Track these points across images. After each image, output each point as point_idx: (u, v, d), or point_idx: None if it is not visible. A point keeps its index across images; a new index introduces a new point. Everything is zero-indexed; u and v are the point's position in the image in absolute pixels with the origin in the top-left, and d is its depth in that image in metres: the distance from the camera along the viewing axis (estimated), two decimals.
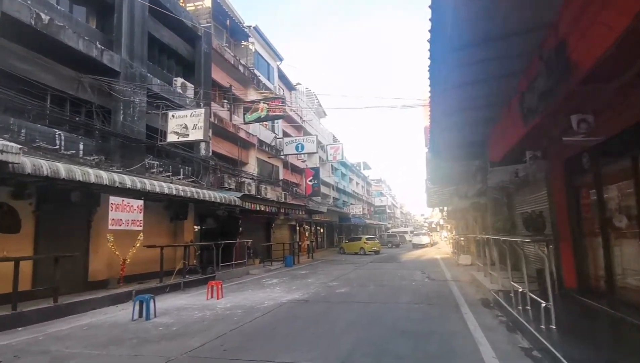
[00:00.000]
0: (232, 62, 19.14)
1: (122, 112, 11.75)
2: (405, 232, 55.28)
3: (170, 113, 12.60)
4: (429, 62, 4.58)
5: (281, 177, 24.68)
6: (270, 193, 21.40)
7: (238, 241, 19.02)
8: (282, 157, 24.68)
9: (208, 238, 17.04)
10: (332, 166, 37.82)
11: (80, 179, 8.40)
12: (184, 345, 5.92)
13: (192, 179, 15.13)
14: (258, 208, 17.47)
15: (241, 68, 20.05)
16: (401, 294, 10.42)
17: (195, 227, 17.78)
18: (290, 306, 9.07)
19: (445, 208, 30.57)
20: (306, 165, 28.79)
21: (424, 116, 15.95)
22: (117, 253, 10.04)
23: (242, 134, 19.66)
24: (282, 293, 11.24)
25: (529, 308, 6.69)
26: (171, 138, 12.47)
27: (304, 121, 29.84)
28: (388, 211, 77.61)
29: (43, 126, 9.76)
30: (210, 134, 16.51)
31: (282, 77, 27.54)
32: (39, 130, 9.59)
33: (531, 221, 10.81)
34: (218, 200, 13.86)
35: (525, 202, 11.56)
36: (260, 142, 21.81)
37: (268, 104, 18.42)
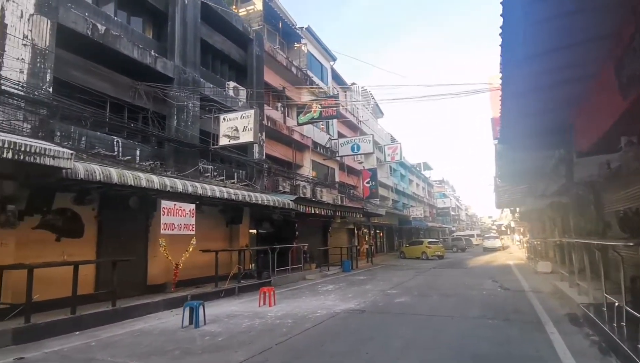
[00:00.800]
0: (285, 64, 18.97)
1: (175, 117, 11.90)
2: (472, 235, 51.92)
3: (221, 116, 12.56)
4: (501, 21, 3.65)
5: (337, 179, 24.10)
6: (326, 196, 20.87)
7: (294, 245, 18.73)
8: (338, 158, 24.08)
9: (264, 242, 16.92)
10: (390, 167, 36.45)
11: (132, 183, 8.43)
12: (225, 359, 5.47)
13: (245, 183, 15.04)
14: (313, 211, 16.99)
15: (294, 70, 19.82)
16: (470, 306, 9.22)
17: (250, 231, 17.80)
18: (344, 317, 8.34)
19: (517, 209, 27.91)
20: (363, 167, 27.90)
21: (491, 106, 14.43)
22: (169, 257, 10.03)
23: (296, 136, 19.38)
24: (337, 301, 10.54)
25: (623, 324, 5.37)
26: (223, 141, 12.40)
27: (360, 121, 29.03)
28: (452, 213, 73.69)
29: (102, 133, 10.06)
30: (263, 136, 16.40)
31: (336, 78, 27.02)
32: (98, 137, 9.89)
33: (627, 221, 9.07)
34: (271, 203, 13.57)
35: (618, 199, 9.76)
36: (315, 144, 21.41)
37: (321, 105, 17.92)
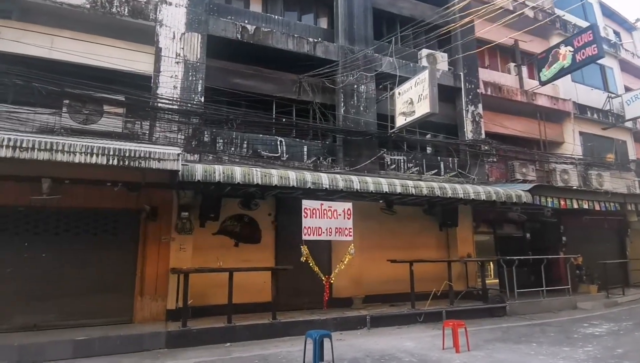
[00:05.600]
0: (512, 9, 13.89)
1: (343, 104, 10.26)
2: None
3: (396, 91, 9.90)
4: None
5: (632, 156, 15.53)
6: (610, 182, 13.68)
7: (559, 256, 13.03)
8: (630, 125, 15.56)
9: (508, 251, 12.31)
10: None
11: (259, 182, 7.35)
12: None
13: (454, 173, 11.50)
14: (574, 206, 11.17)
15: (531, 13, 14.32)
16: None
17: (486, 235, 13.71)
18: None
19: None
20: None
21: None
22: (316, 269, 8.30)
23: (542, 102, 13.70)
24: None
25: None
26: (399, 121, 9.69)
27: None
28: None
29: (265, 135, 9.68)
30: (479, 110, 12.30)
31: (610, 15, 18.22)
32: (261, 140, 9.56)
33: None
34: (483, 197, 9.55)
35: None
36: (581, 108, 14.53)
37: (573, 47, 11.79)
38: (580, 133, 14.53)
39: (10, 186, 7.56)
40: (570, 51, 11.93)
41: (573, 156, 13.77)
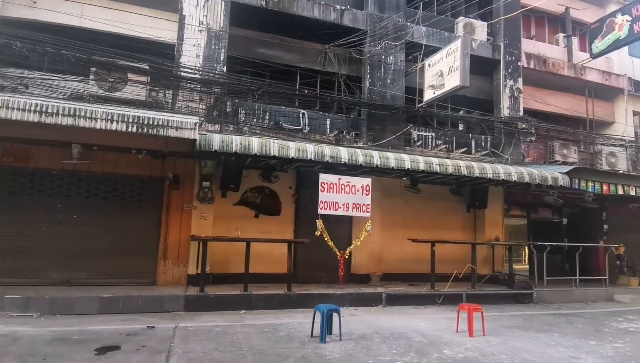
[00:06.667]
0: None
1: (369, 76, 9.86)
2: None
3: (426, 62, 9.34)
4: None
5: None
6: None
7: (600, 245, 12.25)
8: None
9: (542, 236, 11.63)
10: None
11: (276, 154, 7.28)
12: None
13: (485, 152, 10.89)
14: (617, 191, 10.32)
15: None
16: None
17: (519, 219, 13.13)
18: None
19: None
20: None
21: None
22: (330, 243, 8.21)
23: (591, 77, 12.54)
24: (595, 358, 5.41)
25: None
26: (427, 95, 9.18)
27: None
28: None
29: (287, 107, 9.53)
30: (519, 84, 11.44)
31: None
32: (283, 111, 9.43)
33: None
34: (514, 178, 9.00)
35: None
36: (637, 84, 13.20)
37: (631, 16, 10.55)
38: (635, 113, 13.28)
39: (44, 150, 7.97)
40: (627, 20, 10.71)
41: (623, 138, 12.65)
